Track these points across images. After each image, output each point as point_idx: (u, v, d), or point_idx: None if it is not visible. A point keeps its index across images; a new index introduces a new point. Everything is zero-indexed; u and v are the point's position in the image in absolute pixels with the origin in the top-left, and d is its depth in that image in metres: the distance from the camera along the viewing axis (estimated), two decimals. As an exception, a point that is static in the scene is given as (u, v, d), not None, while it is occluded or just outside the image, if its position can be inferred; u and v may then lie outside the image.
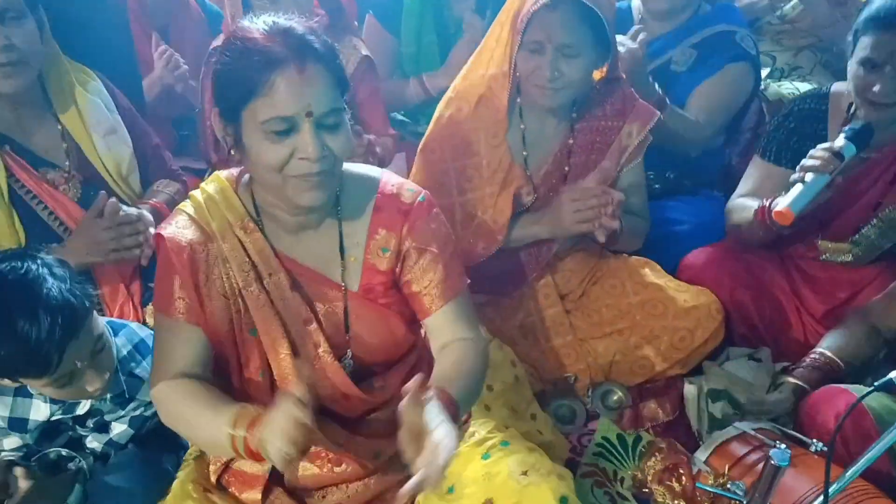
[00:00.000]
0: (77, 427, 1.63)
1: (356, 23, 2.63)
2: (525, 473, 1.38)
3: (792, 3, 2.77)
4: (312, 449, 1.45)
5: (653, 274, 2.07)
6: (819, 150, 1.76)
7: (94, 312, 1.48)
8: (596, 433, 1.94)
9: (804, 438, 1.57)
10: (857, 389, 1.64)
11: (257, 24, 1.28)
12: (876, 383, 1.24)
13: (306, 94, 1.24)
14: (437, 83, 2.55)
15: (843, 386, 1.68)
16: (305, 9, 2.14)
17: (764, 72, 2.91)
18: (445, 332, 1.47)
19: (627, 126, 1.93)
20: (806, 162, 1.76)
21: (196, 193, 1.43)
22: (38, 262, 1.41)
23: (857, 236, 1.97)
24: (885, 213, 1.92)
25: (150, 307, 1.96)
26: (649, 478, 1.76)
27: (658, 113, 1.95)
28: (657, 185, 2.38)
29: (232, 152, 1.34)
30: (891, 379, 1.23)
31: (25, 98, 1.81)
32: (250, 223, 1.39)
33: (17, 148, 1.82)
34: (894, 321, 1.85)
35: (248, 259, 1.38)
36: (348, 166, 1.43)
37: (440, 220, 1.48)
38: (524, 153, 1.93)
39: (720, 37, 2.31)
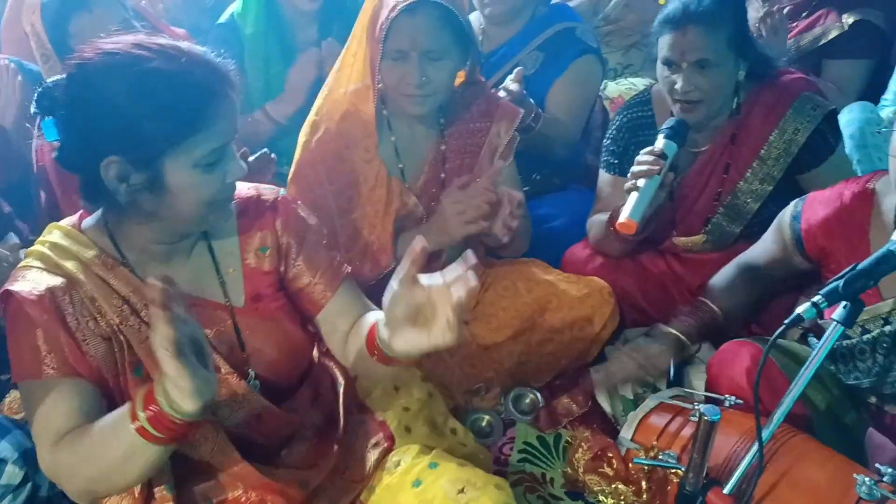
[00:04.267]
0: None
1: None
2: (462, 491, 1.34)
3: (613, 2, 2.92)
4: (231, 495, 1.34)
5: (541, 271, 2.07)
6: (643, 156, 1.83)
7: None
8: (516, 440, 1.91)
9: (717, 396, 1.60)
10: (758, 341, 1.69)
11: (159, 49, 1.16)
12: (786, 321, 1.27)
13: (233, 118, 1.22)
14: (280, 110, 2.47)
15: (743, 340, 1.72)
16: None
17: (599, 73, 3.05)
18: (346, 315, 1.44)
19: (495, 126, 1.94)
20: (634, 169, 1.82)
21: (35, 248, 1.29)
22: None
23: (708, 227, 2.02)
24: (727, 200, 1.98)
25: (6, 401, 1.77)
26: (580, 470, 1.74)
27: (521, 110, 1.97)
28: (526, 188, 2.38)
29: (124, 199, 1.20)
30: (798, 315, 1.27)
31: None
32: (109, 259, 1.28)
33: None
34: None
35: (116, 295, 1.26)
36: None
37: (307, 211, 1.47)
38: (399, 165, 1.90)
39: (562, 35, 2.37)
